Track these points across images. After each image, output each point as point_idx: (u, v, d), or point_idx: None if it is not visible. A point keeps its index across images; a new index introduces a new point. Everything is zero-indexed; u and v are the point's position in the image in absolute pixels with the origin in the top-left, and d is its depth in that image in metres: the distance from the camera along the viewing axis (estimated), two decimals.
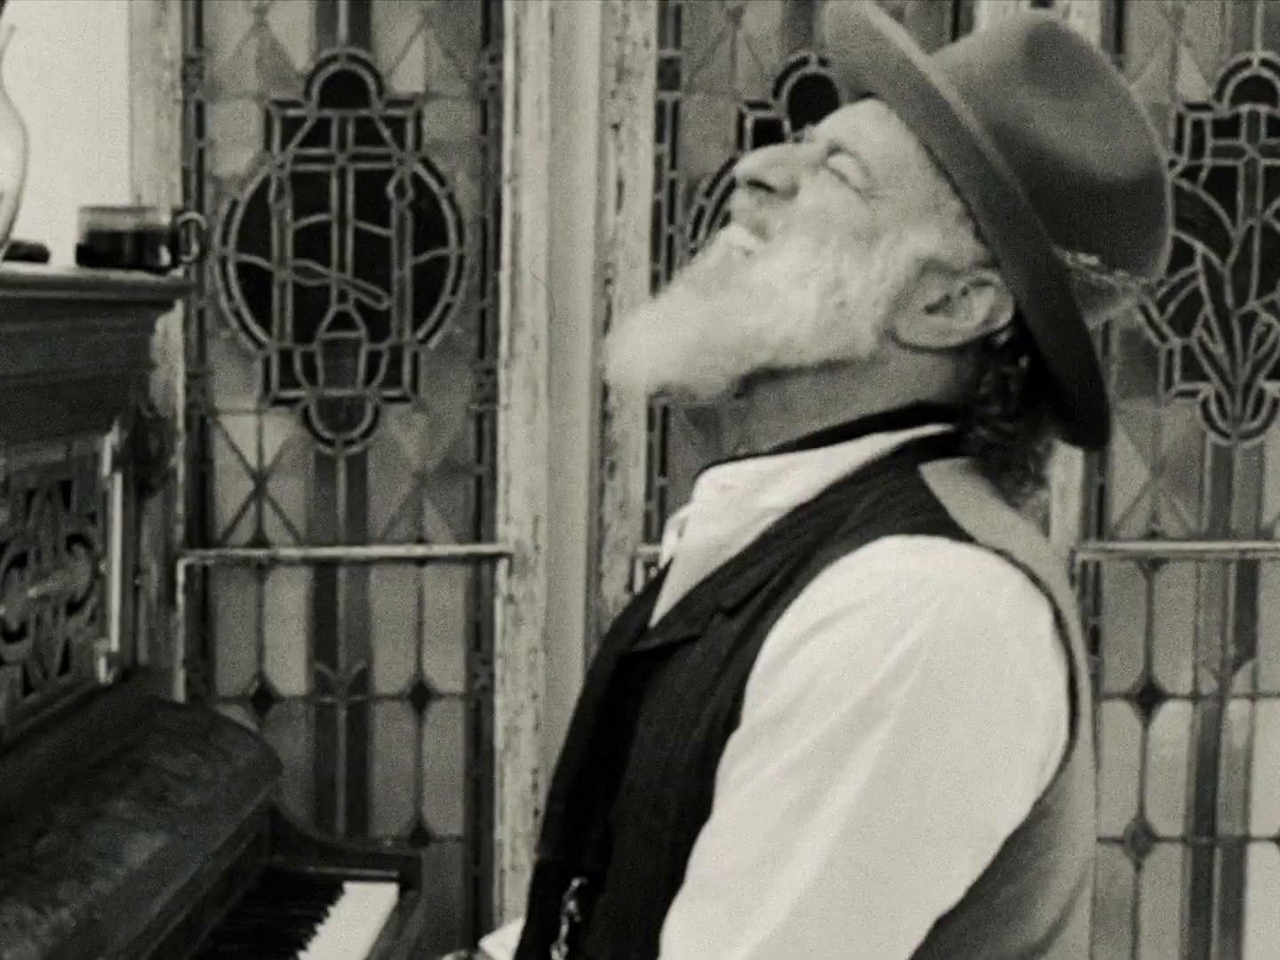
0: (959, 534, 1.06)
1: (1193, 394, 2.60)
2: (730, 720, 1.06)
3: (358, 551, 2.51)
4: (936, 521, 1.07)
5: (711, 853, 1.05)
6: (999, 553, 1.05)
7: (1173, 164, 2.43)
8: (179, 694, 2.40)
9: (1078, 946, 1.13)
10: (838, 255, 1.12)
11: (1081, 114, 1.12)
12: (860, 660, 1.01)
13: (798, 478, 1.14)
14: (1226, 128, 2.54)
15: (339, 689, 2.53)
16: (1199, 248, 2.55)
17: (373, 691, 2.55)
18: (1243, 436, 2.61)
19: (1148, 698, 2.65)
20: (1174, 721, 2.66)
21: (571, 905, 1.18)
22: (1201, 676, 2.65)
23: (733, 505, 1.16)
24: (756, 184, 1.17)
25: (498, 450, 2.49)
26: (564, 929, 1.18)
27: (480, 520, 2.53)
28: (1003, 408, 1.13)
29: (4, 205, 1.56)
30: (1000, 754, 1.02)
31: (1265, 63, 2.54)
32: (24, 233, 1.67)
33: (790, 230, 1.14)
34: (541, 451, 2.47)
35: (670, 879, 1.07)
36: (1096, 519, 2.60)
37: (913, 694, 1.00)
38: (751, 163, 1.18)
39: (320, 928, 1.97)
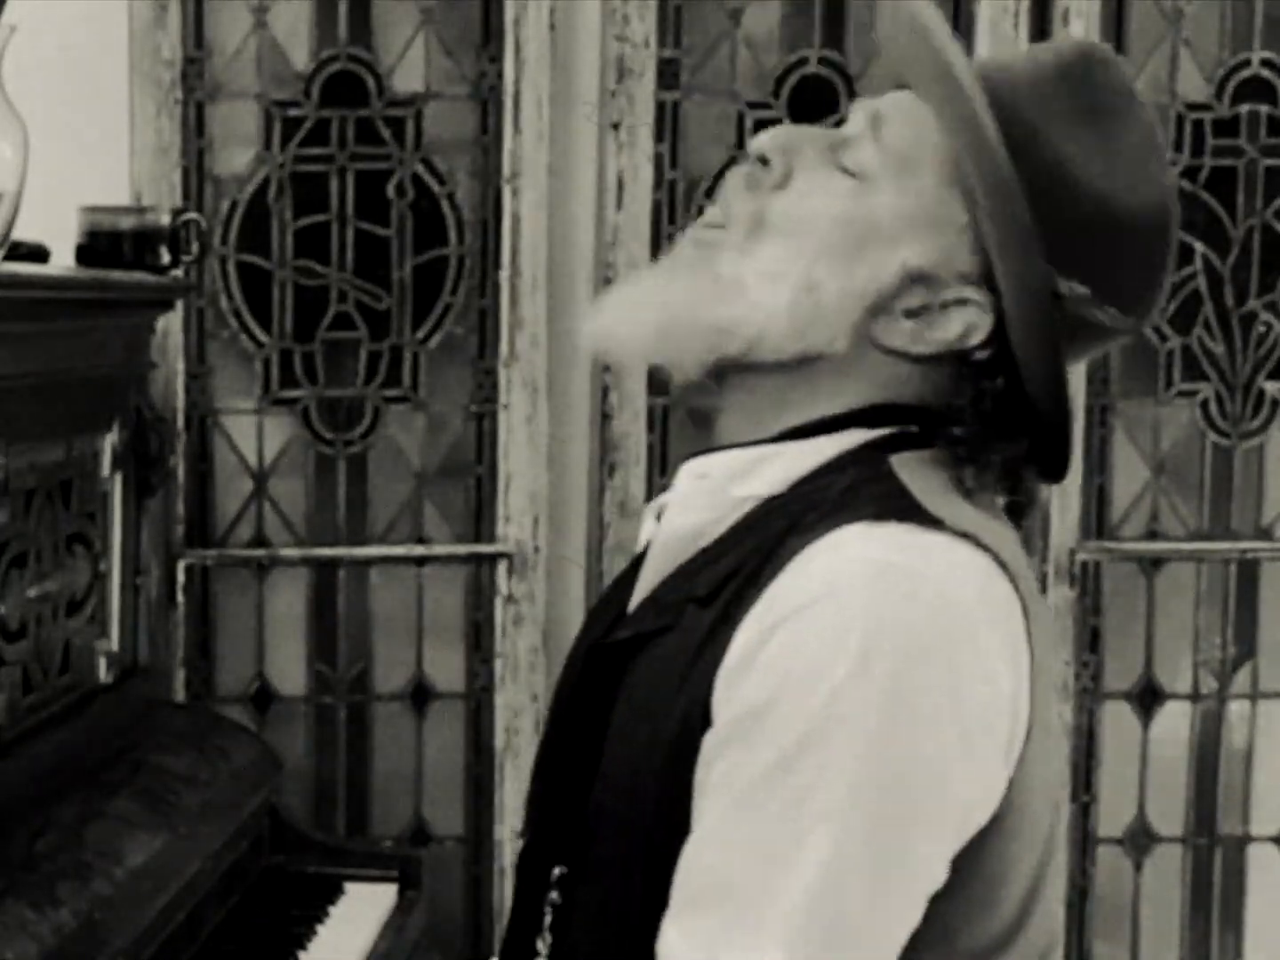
0: (926, 518, 1.06)
1: (1192, 394, 2.60)
2: (705, 715, 1.05)
3: (358, 551, 2.51)
4: (903, 507, 1.06)
5: (701, 865, 1.04)
6: (966, 536, 1.05)
7: (1173, 163, 2.42)
8: (179, 694, 2.40)
9: (1037, 945, 1.11)
10: (814, 260, 1.12)
11: (1107, 147, 1.11)
12: (829, 652, 1.00)
13: (772, 469, 1.14)
14: (1226, 128, 2.54)
15: (339, 689, 2.53)
16: (1199, 247, 2.54)
17: (373, 691, 2.55)
18: (1243, 436, 2.61)
19: (1148, 698, 2.65)
20: (1174, 721, 2.66)
21: (554, 894, 1.17)
22: (1201, 676, 2.65)
23: (708, 495, 1.16)
24: (762, 160, 1.16)
25: (498, 450, 2.49)
26: (547, 918, 1.17)
27: (480, 520, 2.53)
28: (974, 420, 1.12)
29: (4, 205, 1.56)
30: (975, 733, 1.02)
31: (1265, 63, 2.54)
32: (24, 233, 1.66)
33: (767, 228, 1.14)
34: (541, 451, 2.47)
35: (646, 870, 1.06)
36: (1096, 519, 2.59)
37: (884, 681, 0.99)
38: (764, 140, 1.17)
39: (320, 928, 1.97)
